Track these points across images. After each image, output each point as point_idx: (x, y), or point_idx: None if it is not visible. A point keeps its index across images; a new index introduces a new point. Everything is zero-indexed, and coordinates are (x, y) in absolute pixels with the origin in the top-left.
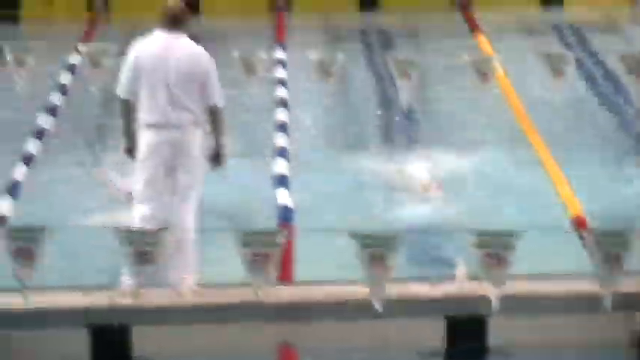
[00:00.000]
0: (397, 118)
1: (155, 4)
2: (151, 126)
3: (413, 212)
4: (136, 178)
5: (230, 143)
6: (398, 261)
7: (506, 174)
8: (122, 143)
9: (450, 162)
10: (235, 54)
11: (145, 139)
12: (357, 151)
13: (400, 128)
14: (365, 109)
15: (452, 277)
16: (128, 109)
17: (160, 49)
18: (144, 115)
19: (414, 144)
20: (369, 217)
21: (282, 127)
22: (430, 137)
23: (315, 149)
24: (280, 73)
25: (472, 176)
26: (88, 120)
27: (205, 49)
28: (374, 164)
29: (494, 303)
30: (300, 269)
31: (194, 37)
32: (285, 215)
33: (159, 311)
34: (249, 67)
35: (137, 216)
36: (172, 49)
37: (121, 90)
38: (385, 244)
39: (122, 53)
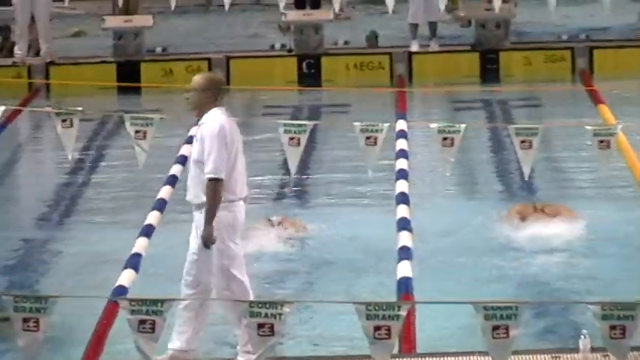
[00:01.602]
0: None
1: (273, 77)
2: (241, 199)
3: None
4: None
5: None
6: (521, 331)
7: None
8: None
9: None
10: (356, 124)
11: (239, 214)
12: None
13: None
14: (487, 178)
15: (576, 349)
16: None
17: (232, 124)
18: (237, 190)
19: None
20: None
21: (403, 198)
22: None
23: (435, 219)
24: (401, 144)
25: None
26: None
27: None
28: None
29: None
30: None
31: None
32: (407, 286)
33: None
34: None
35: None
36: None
37: (222, 170)
38: (508, 316)
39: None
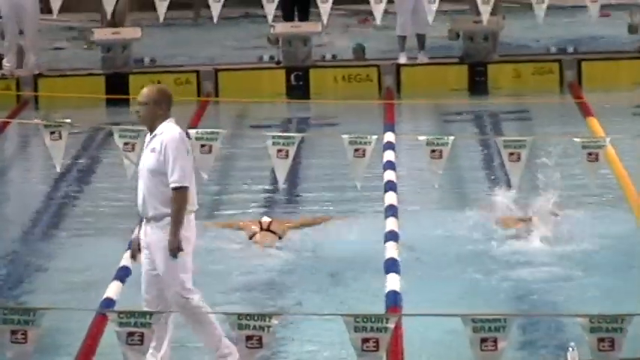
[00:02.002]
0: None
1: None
2: (193, 212)
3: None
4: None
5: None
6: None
7: None
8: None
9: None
10: (345, 136)
11: (193, 226)
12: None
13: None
14: (475, 189)
15: None
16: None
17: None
18: (193, 201)
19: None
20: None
21: (392, 210)
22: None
23: (423, 231)
24: (389, 155)
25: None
26: None
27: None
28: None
29: None
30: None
31: None
32: (395, 299)
33: None
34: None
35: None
36: None
37: (187, 178)
38: (496, 328)
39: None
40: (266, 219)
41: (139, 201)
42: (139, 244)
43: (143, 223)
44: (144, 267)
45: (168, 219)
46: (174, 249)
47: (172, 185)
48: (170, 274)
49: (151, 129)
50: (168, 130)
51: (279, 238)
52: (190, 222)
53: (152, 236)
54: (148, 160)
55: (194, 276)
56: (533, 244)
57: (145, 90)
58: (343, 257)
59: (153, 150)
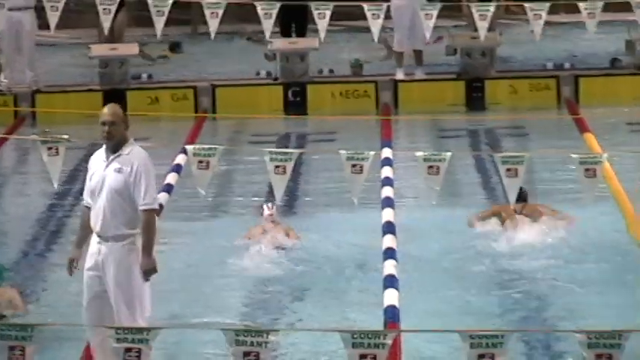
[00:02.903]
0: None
1: (258, 105)
2: None
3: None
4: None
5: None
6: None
7: None
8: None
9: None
10: (342, 152)
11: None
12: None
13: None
14: (472, 204)
15: None
16: None
17: None
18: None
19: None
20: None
21: (390, 226)
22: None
23: (421, 247)
24: (387, 171)
25: None
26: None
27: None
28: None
29: None
30: None
31: None
32: (393, 314)
33: None
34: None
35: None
36: None
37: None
38: (494, 344)
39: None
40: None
41: (98, 220)
42: (75, 260)
43: (94, 241)
44: (91, 287)
45: (130, 239)
46: (150, 270)
47: (145, 207)
48: (128, 295)
49: (115, 148)
50: (137, 151)
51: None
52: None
53: (109, 256)
54: (113, 179)
55: (192, 290)
56: (530, 259)
57: (109, 110)
58: (341, 270)
59: (119, 170)
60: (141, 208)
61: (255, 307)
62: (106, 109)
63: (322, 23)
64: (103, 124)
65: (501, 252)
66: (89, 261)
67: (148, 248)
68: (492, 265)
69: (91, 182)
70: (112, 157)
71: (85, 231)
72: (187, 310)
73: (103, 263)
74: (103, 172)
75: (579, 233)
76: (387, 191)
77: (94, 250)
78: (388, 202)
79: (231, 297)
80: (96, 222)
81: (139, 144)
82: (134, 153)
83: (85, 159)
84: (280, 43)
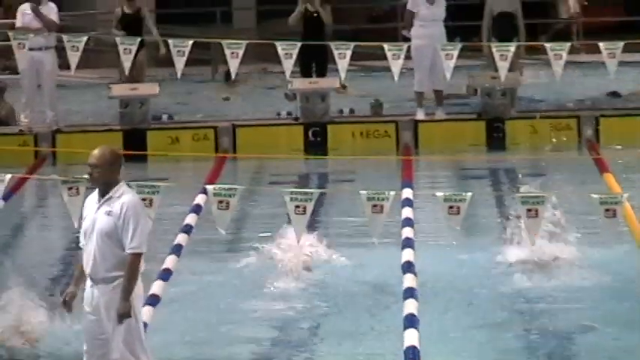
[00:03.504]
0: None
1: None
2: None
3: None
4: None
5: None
6: None
7: None
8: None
9: None
10: (362, 192)
11: (140, 286)
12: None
13: None
14: (492, 246)
15: None
16: None
17: None
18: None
19: None
20: None
21: (409, 266)
22: None
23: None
24: (407, 212)
25: None
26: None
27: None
28: None
29: None
30: None
31: None
32: (413, 356)
33: None
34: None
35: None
36: None
37: (145, 244)
38: None
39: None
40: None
41: (89, 263)
42: (72, 297)
43: (88, 284)
44: (90, 331)
45: (119, 281)
46: (125, 314)
47: (131, 251)
48: (123, 338)
49: (105, 191)
50: (128, 194)
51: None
52: (140, 284)
53: (101, 299)
54: (102, 222)
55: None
56: (551, 298)
57: (97, 152)
58: (360, 310)
59: (109, 213)
60: (127, 251)
61: (269, 345)
62: (94, 151)
63: (342, 63)
64: (89, 166)
65: (523, 290)
66: (86, 304)
67: (126, 292)
68: (513, 304)
69: (84, 224)
70: (102, 199)
71: (81, 272)
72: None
73: (98, 307)
74: (94, 214)
75: (601, 272)
76: (407, 232)
77: (88, 293)
78: (408, 243)
79: (246, 333)
80: (87, 265)
81: (161, 183)
82: (124, 195)
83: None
84: (301, 83)
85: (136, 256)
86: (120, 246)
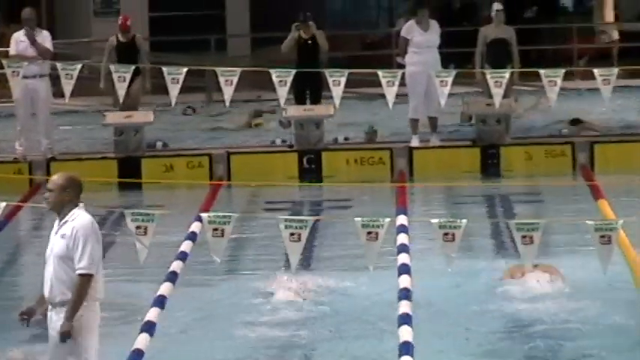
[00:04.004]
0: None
1: (273, 172)
2: (99, 300)
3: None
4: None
5: None
6: None
7: None
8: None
9: None
10: (357, 220)
11: (98, 315)
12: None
13: None
14: (485, 272)
15: None
16: None
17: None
18: (101, 289)
19: None
20: None
21: (406, 292)
22: None
23: (436, 318)
24: (402, 238)
25: None
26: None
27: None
28: None
29: None
30: None
31: None
32: None
33: None
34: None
35: None
36: None
37: (94, 266)
38: None
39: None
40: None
41: (47, 286)
42: (29, 311)
43: (48, 308)
44: (52, 353)
45: None
46: (65, 333)
47: (79, 272)
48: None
49: (61, 215)
50: (80, 217)
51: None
52: (97, 311)
53: (58, 323)
54: (57, 245)
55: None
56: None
57: (54, 177)
58: (356, 336)
59: (63, 236)
60: (76, 272)
61: None
62: (52, 177)
63: (337, 90)
64: (46, 190)
65: (518, 313)
66: (49, 327)
67: (70, 311)
68: (510, 332)
69: (47, 249)
70: (59, 223)
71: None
72: None
73: (56, 329)
74: (52, 238)
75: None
76: (403, 258)
77: (49, 317)
78: (404, 269)
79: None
80: (45, 288)
81: (156, 211)
82: (77, 219)
83: (100, 226)
84: (295, 111)
85: (84, 277)
86: (73, 269)
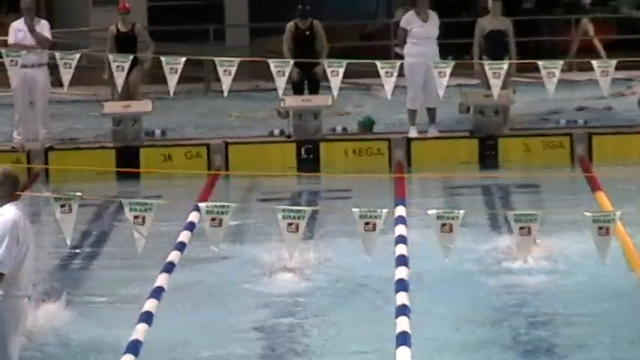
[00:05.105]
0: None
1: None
2: (27, 296)
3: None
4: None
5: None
6: None
7: None
8: None
9: None
10: (355, 210)
11: (24, 311)
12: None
13: None
14: (484, 263)
15: None
16: None
17: (26, 220)
18: (27, 285)
19: None
20: None
21: (403, 284)
22: None
23: (434, 306)
24: (400, 229)
25: None
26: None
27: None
28: None
29: None
30: None
31: None
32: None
33: None
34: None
35: None
36: None
37: (9, 265)
38: None
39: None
40: None
41: None
42: None
43: None
44: None
45: None
46: None
47: None
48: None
49: None
50: (6, 215)
51: None
52: (21, 307)
53: None
54: None
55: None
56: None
57: None
58: (353, 327)
59: None
60: None
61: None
62: None
63: (335, 81)
64: None
65: (512, 301)
66: None
67: None
68: (503, 319)
69: None
70: None
71: None
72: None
73: None
74: None
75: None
76: (401, 249)
77: None
78: (402, 261)
79: (240, 330)
80: None
81: (153, 201)
82: (3, 215)
83: (99, 216)
84: (293, 101)
85: None
86: None
